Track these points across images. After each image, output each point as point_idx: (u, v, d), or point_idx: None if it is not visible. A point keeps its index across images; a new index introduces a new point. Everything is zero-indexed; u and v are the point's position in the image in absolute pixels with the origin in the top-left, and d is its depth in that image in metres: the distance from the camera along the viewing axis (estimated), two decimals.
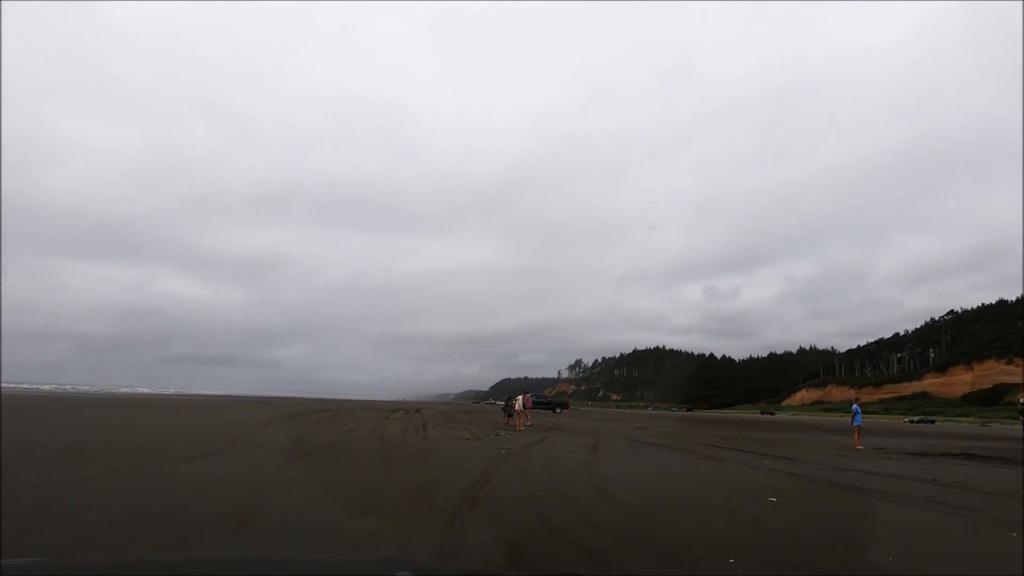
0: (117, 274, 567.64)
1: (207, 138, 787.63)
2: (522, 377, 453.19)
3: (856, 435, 18.37)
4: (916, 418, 78.41)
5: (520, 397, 23.59)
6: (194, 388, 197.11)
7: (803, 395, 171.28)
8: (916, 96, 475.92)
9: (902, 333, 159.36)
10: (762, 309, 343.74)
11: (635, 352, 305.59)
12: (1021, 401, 15.41)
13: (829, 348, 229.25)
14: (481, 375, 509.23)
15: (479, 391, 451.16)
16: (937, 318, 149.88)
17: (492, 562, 4.14)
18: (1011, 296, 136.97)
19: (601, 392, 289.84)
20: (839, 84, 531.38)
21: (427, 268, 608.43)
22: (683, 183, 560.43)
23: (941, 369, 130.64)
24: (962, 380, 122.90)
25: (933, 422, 72.91)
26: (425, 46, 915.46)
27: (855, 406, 18.91)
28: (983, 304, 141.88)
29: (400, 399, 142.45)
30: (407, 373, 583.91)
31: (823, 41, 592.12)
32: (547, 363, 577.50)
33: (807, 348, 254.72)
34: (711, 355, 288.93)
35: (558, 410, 48.16)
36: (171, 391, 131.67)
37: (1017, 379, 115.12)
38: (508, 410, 24.19)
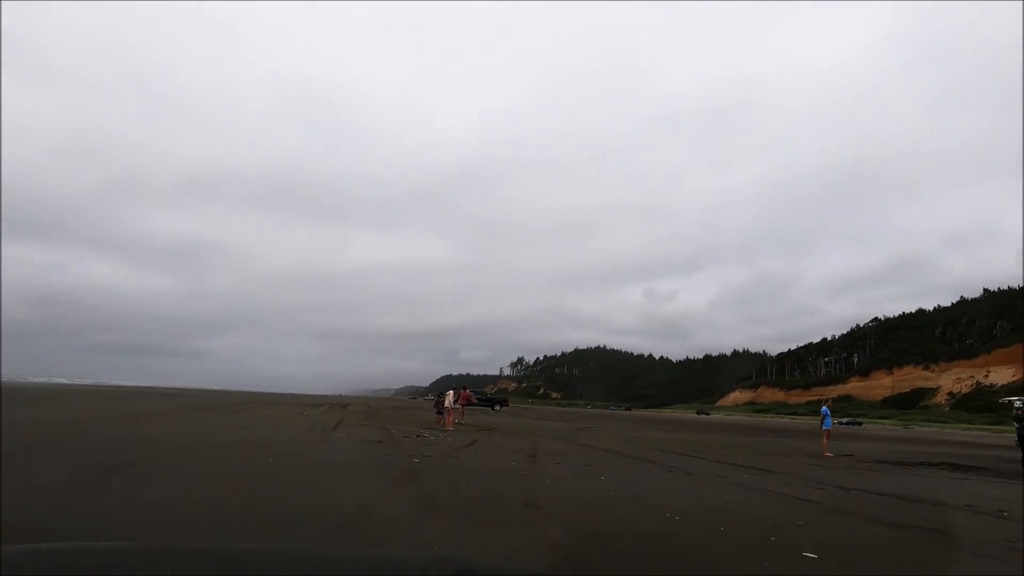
0: (32, 255, 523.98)
1: (138, 117, 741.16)
2: (464, 374, 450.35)
3: (825, 440, 16.43)
4: (844, 420, 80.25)
5: (451, 393, 20.57)
6: (116, 379, 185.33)
7: (736, 396, 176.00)
8: (845, 117, 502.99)
9: (829, 338, 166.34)
10: (698, 313, 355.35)
11: (576, 351, 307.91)
12: (1017, 404, 13.51)
13: (761, 351, 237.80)
14: (422, 371, 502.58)
15: (419, 387, 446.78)
16: (862, 324, 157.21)
17: None
18: (928, 305, 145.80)
19: (542, 390, 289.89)
20: (777, 101, 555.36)
21: (370, 260, 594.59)
22: (627, 188, 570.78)
23: (864, 373, 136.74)
24: (883, 384, 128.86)
25: (860, 423, 74.77)
26: (379, 36, 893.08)
27: (824, 408, 16.96)
28: (903, 313, 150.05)
29: (336, 394, 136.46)
30: (346, 367, 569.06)
31: (764, 60, 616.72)
32: (489, 360, 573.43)
33: (740, 351, 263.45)
34: (649, 356, 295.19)
35: (497, 408, 45.40)
36: (90, 381, 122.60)
37: (932, 384, 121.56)
38: (439, 407, 21.13)
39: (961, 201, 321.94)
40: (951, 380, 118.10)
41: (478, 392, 46.46)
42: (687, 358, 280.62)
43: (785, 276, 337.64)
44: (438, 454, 10.78)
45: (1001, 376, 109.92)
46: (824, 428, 16.57)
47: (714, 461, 12.53)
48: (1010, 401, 16.99)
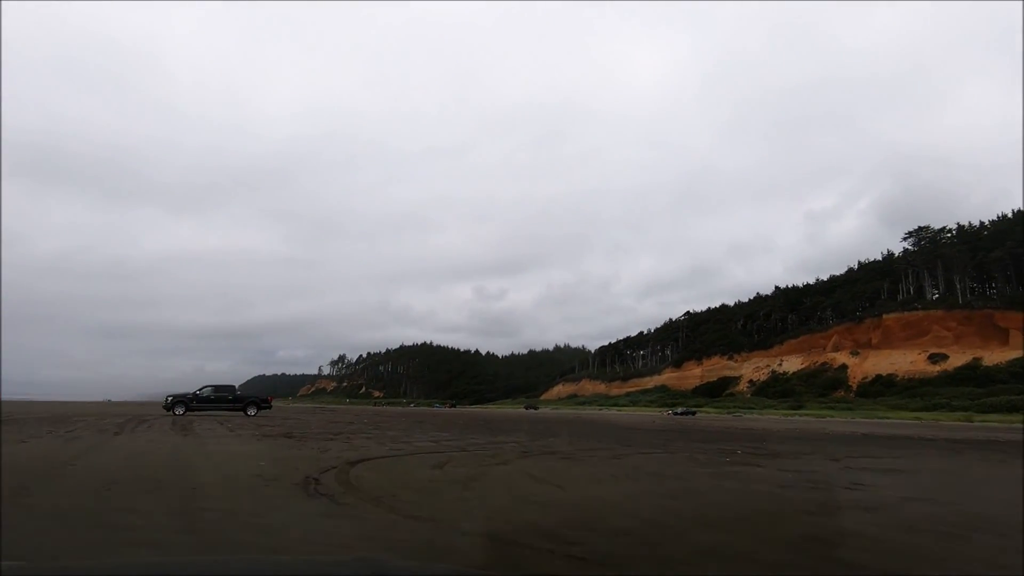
0: None
1: None
2: (279, 374, 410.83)
3: None
4: (679, 410, 77.58)
5: None
6: None
7: (560, 389, 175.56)
8: (662, 134, 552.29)
9: (645, 332, 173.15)
10: (523, 311, 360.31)
11: (401, 348, 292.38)
12: None
13: (581, 347, 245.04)
14: (231, 371, 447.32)
15: None
16: (673, 319, 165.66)
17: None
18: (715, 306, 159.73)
19: (364, 389, 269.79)
20: (605, 112, 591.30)
21: (172, 249, 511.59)
22: (460, 186, 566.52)
23: (677, 365, 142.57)
24: (694, 374, 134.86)
25: (694, 413, 72.25)
26: (199, 3, 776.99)
27: None
28: (710, 307, 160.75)
29: (107, 400, 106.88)
30: (136, 369, 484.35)
31: (593, 70, 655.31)
32: (309, 359, 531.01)
33: (562, 346, 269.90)
34: (476, 351, 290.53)
35: (252, 412, 30.39)
36: None
37: (736, 372, 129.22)
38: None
39: (744, 217, 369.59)
40: (751, 369, 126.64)
41: (223, 388, 31.33)
42: (512, 353, 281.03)
43: (603, 278, 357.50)
44: None
45: (792, 364, 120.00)
46: None
47: None
48: None
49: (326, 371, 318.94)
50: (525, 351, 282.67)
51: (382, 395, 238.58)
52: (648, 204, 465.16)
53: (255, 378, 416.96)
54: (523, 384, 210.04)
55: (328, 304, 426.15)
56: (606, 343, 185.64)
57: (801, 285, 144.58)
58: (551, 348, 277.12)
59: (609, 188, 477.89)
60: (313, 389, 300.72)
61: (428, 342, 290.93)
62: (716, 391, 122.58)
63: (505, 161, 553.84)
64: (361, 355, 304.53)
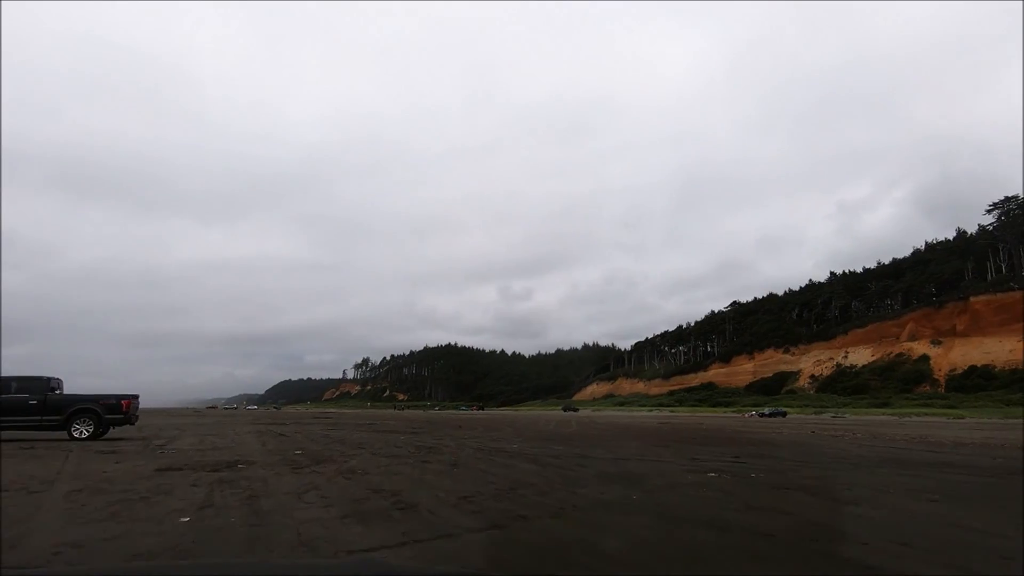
0: None
1: None
2: (305, 378, 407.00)
3: None
4: (766, 410, 64.66)
5: None
6: None
7: (594, 389, 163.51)
8: (687, 126, 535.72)
9: (684, 326, 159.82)
10: (547, 311, 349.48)
11: (425, 349, 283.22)
12: None
13: (611, 345, 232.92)
14: (258, 377, 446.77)
15: (254, 395, 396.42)
16: (716, 311, 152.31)
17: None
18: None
19: (388, 392, 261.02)
20: (629, 106, 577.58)
21: (201, 257, 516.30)
22: (484, 186, 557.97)
23: (725, 359, 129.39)
24: (745, 370, 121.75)
25: (784, 414, 60.08)
26: (223, 13, 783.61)
27: None
28: (756, 297, 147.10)
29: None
30: (166, 376, 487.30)
31: (617, 64, 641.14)
32: (335, 363, 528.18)
33: (591, 345, 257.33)
34: (501, 351, 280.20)
35: (82, 433, 15.23)
36: None
37: (794, 367, 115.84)
38: None
39: (773, 209, 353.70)
40: (811, 362, 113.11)
41: (24, 384, 15.04)
42: (539, 353, 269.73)
43: (630, 276, 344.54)
44: None
45: (860, 356, 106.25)
46: None
47: None
48: None
49: (350, 375, 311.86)
50: (552, 350, 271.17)
51: (406, 398, 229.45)
52: (672, 199, 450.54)
53: (281, 383, 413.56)
54: (552, 384, 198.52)
55: (354, 308, 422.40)
56: (642, 339, 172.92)
57: (861, 270, 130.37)
58: (579, 347, 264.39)
59: (633, 184, 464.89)
60: (338, 393, 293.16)
61: (453, 343, 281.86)
62: (773, 388, 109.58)
63: (529, 159, 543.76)
64: (385, 358, 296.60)
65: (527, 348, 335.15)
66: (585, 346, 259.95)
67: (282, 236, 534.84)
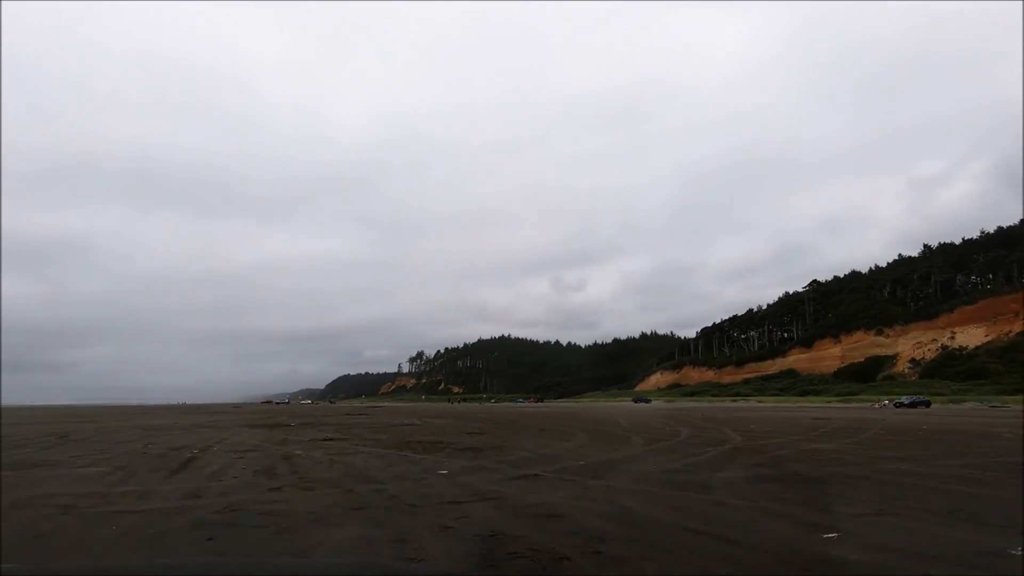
0: None
1: None
2: (362, 373, 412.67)
3: None
4: (905, 399, 53.89)
5: None
6: None
7: (658, 378, 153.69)
8: (740, 107, 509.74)
9: (755, 309, 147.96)
10: (603, 302, 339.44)
11: (479, 342, 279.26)
12: None
13: (670, 333, 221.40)
14: (319, 373, 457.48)
15: (315, 390, 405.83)
16: (791, 292, 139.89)
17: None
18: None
19: (442, 385, 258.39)
20: (680, 90, 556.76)
21: (263, 258, 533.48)
22: (533, 178, 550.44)
23: (807, 344, 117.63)
24: (831, 355, 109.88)
25: (928, 404, 50.12)
26: (266, 22, 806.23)
27: None
28: (836, 277, 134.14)
29: (202, 403, 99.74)
30: (233, 373, 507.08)
31: (664, 57, 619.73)
32: (392, 358, 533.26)
33: (648, 334, 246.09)
34: (556, 342, 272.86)
35: None
36: None
37: (889, 351, 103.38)
38: None
39: (835, 189, 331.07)
40: (910, 345, 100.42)
41: None
42: (596, 343, 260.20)
43: (686, 264, 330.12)
44: None
45: (971, 337, 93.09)
46: None
47: None
48: None
49: (405, 368, 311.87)
50: (608, 340, 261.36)
51: (461, 391, 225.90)
52: (729, 183, 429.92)
53: (340, 378, 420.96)
54: (611, 375, 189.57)
55: (409, 303, 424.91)
56: (709, 324, 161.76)
57: (967, 239, 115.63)
58: (637, 336, 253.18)
59: (686, 170, 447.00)
60: (393, 387, 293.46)
61: (506, 335, 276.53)
62: (866, 374, 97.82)
63: (578, 150, 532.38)
64: (439, 351, 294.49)
65: (581, 339, 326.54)
66: (643, 335, 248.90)
67: (338, 236, 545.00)
